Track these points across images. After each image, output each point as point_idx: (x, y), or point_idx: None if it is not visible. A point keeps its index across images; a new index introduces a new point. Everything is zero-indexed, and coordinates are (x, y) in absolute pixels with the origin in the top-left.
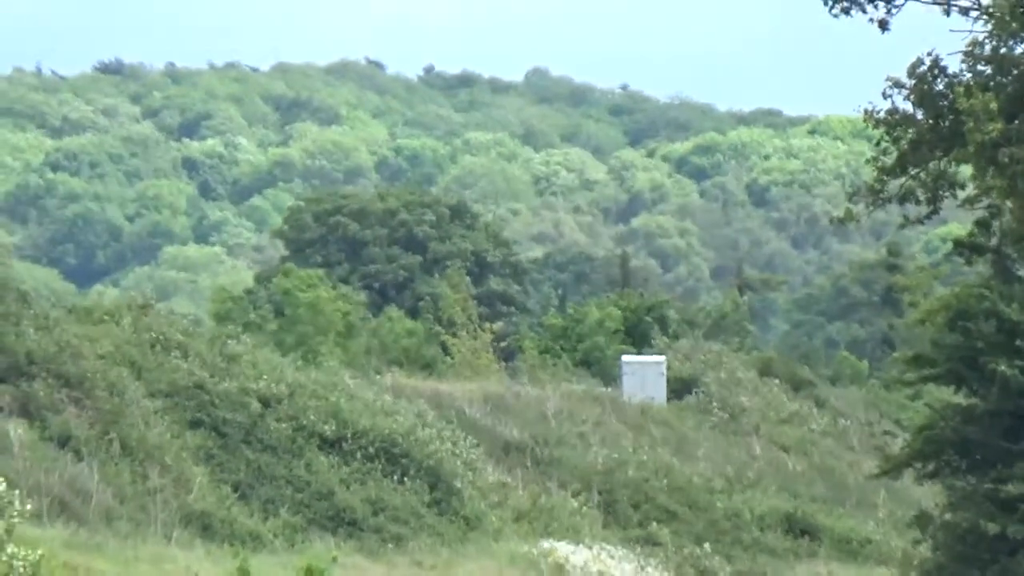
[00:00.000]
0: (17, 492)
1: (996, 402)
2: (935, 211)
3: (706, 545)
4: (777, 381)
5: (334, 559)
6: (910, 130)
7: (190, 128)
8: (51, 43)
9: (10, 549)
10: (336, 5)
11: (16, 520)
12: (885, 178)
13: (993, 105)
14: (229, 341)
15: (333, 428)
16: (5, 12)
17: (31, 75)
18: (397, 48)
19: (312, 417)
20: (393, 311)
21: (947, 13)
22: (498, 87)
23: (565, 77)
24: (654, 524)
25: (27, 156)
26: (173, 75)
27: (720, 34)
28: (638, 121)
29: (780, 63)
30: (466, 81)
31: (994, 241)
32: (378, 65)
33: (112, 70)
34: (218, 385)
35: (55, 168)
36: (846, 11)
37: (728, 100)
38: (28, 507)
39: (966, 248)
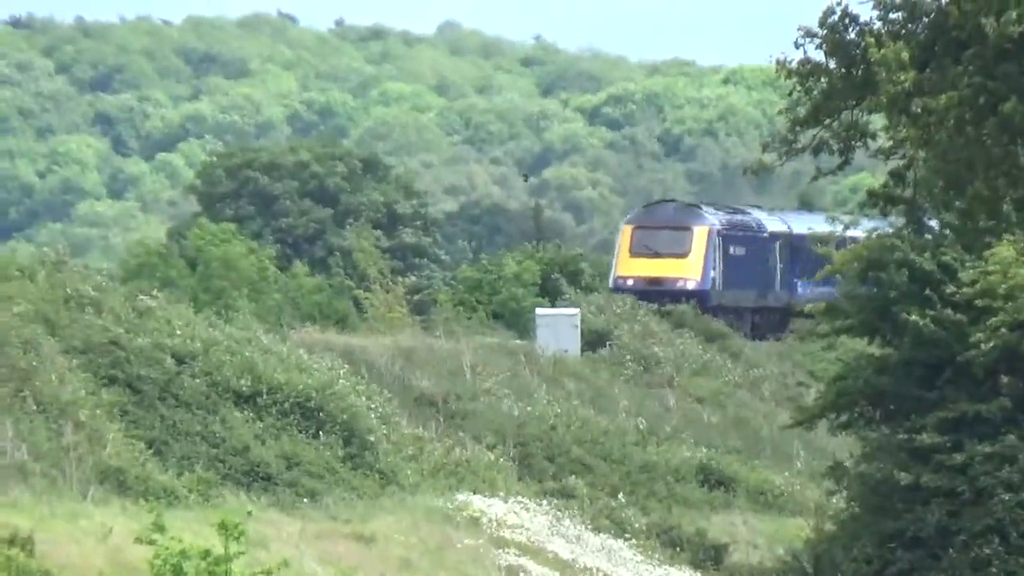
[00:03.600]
0: None
1: (909, 352)
2: (847, 162)
3: (620, 496)
4: (691, 332)
5: (249, 513)
6: (822, 80)
7: (103, 82)
8: None
9: None
10: None
11: None
12: (798, 128)
13: (905, 55)
14: (142, 297)
15: (248, 384)
16: None
17: None
18: (308, 1)
19: (227, 373)
20: (300, 267)
21: None
22: (410, 39)
23: (477, 30)
24: (569, 477)
25: None
26: (84, 29)
27: None
28: (550, 72)
29: (692, 13)
30: (378, 34)
31: (908, 192)
32: (290, 18)
33: (24, 24)
34: (132, 341)
35: None
36: None
37: (640, 51)
38: None
39: (880, 199)
